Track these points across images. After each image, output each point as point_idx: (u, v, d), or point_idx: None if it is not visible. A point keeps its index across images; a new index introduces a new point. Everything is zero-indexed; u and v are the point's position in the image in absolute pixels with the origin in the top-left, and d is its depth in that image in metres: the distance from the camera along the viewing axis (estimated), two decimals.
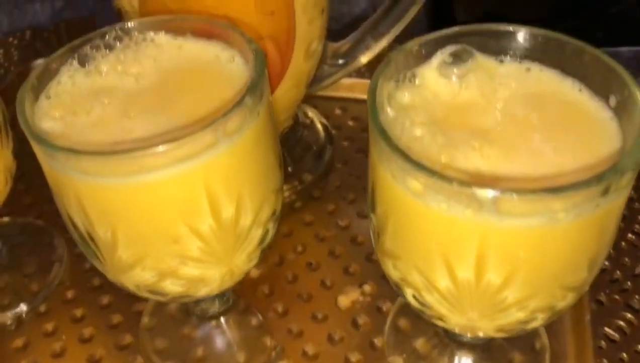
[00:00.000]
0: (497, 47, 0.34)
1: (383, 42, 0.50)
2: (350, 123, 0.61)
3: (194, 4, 0.40)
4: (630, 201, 0.49)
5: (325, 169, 0.56)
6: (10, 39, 0.72)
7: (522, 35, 0.34)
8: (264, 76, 0.32)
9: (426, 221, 0.29)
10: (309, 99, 0.57)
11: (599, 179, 0.26)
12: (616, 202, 0.28)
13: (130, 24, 0.37)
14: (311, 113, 0.59)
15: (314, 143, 0.57)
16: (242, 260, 0.35)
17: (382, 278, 0.45)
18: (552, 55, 0.33)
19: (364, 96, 0.62)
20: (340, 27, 0.69)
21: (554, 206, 0.26)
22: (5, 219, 0.54)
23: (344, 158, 0.57)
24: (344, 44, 0.52)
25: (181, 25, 0.37)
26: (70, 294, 0.49)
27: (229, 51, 0.36)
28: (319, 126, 0.59)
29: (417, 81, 0.34)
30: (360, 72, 0.57)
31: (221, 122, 0.30)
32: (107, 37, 0.37)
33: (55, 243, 0.52)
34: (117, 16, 0.48)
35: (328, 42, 0.51)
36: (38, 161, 0.32)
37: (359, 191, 0.54)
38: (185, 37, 0.37)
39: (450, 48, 0.34)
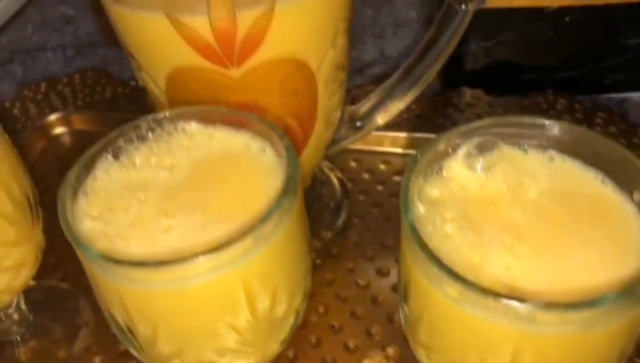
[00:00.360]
0: (520, 137, 0.35)
1: (401, 105, 0.51)
2: (365, 176, 0.62)
3: (220, 86, 0.41)
4: None
5: (342, 226, 0.57)
6: (26, 92, 0.73)
7: (544, 126, 0.35)
8: (298, 175, 0.33)
9: (462, 324, 0.30)
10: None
11: (631, 292, 0.27)
12: None
13: (161, 115, 0.38)
14: (327, 168, 0.60)
15: (331, 199, 0.58)
16: (277, 345, 0.36)
17: (404, 341, 0.46)
18: (574, 146, 0.34)
19: (378, 148, 0.64)
20: (350, 74, 0.70)
21: (587, 316, 0.27)
22: (31, 282, 0.54)
23: (361, 212, 0.58)
24: (360, 107, 0.53)
25: (211, 115, 0.38)
26: (97, 360, 0.49)
27: (260, 142, 0.37)
28: (335, 181, 0.60)
29: (444, 173, 0.35)
30: None
31: (259, 227, 0.31)
32: (139, 128, 0.37)
33: (81, 307, 0.53)
34: (141, 87, 0.49)
35: (345, 106, 0.52)
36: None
37: (376, 247, 0.55)
38: (216, 126, 0.38)
39: (476, 140, 0.35)
